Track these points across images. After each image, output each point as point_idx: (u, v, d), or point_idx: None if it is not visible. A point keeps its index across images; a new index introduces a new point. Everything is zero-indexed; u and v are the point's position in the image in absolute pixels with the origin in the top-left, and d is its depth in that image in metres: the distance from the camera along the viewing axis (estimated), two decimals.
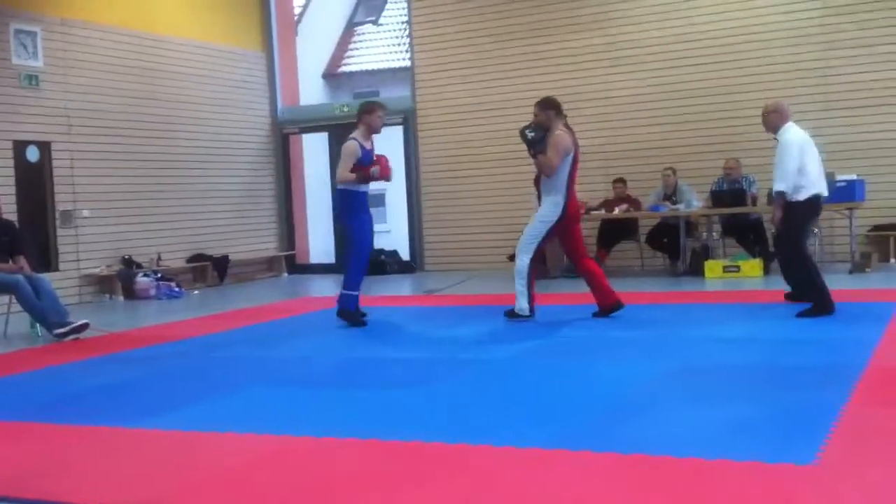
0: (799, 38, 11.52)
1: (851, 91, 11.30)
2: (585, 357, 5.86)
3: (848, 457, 3.38)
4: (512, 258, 11.66)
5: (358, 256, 7.76)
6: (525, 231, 7.43)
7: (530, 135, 7.31)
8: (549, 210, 7.27)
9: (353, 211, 7.72)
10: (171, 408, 4.82)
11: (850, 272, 10.02)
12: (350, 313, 7.69)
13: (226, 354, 6.65)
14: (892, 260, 10.91)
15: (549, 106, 7.37)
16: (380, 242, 14.79)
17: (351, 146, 7.61)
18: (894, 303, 7.32)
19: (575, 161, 7.33)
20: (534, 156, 7.30)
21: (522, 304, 7.34)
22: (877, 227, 11.16)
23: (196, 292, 12.01)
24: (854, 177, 10.22)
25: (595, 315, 7.38)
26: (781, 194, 7.08)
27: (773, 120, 7.41)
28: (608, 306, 7.36)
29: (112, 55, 11.87)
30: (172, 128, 12.68)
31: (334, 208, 7.60)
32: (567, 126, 7.35)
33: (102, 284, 11.53)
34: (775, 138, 7.40)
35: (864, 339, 5.74)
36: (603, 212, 11.39)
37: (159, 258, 12.18)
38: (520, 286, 7.34)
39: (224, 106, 13.58)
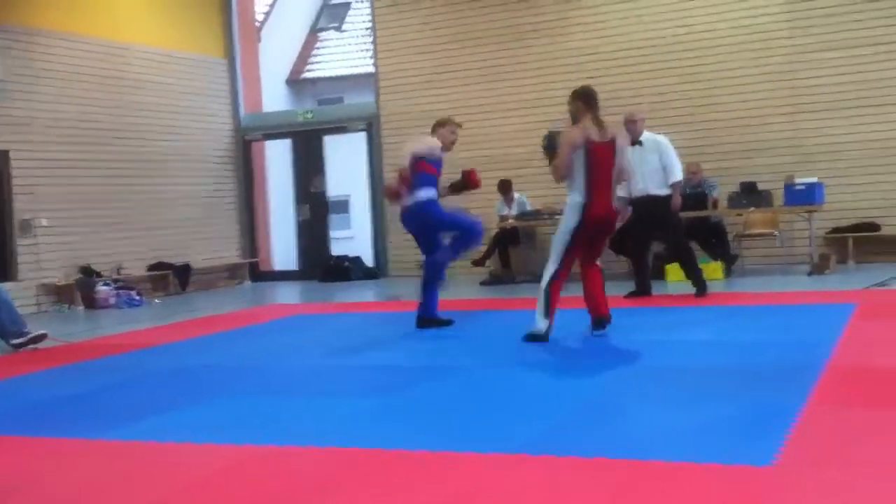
0: (764, 42, 11.65)
1: (814, 95, 11.45)
2: (549, 362, 5.87)
3: (806, 457, 3.40)
4: (477, 263, 11.75)
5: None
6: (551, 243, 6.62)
7: (545, 142, 6.90)
8: (567, 214, 6.39)
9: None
10: (132, 419, 4.75)
11: (809, 274, 10.13)
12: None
13: (188, 364, 6.57)
14: (851, 262, 11.05)
15: (577, 97, 6.51)
16: (343, 249, 14.79)
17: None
18: (852, 304, 7.41)
19: (599, 159, 6.33)
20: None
21: (538, 325, 6.40)
22: (835, 230, 11.31)
23: (157, 301, 11.90)
24: (814, 180, 10.35)
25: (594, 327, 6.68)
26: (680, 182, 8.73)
27: (641, 126, 8.66)
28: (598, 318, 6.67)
29: (73, 63, 11.77)
30: (133, 135, 12.57)
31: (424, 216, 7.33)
32: (597, 120, 6.42)
33: (61, 294, 11.40)
34: (640, 142, 8.54)
35: (822, 340, 5.80)
36: None
37: (119, 267, 12.05)
38: (539, 304, 6.43)
39: (186, 113, 13.48)
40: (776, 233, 11.15)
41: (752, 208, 10.60)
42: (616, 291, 9.63)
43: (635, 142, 8.50)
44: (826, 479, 3.15)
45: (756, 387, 4.66)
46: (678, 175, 8.72)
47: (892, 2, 11.10)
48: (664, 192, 8.68)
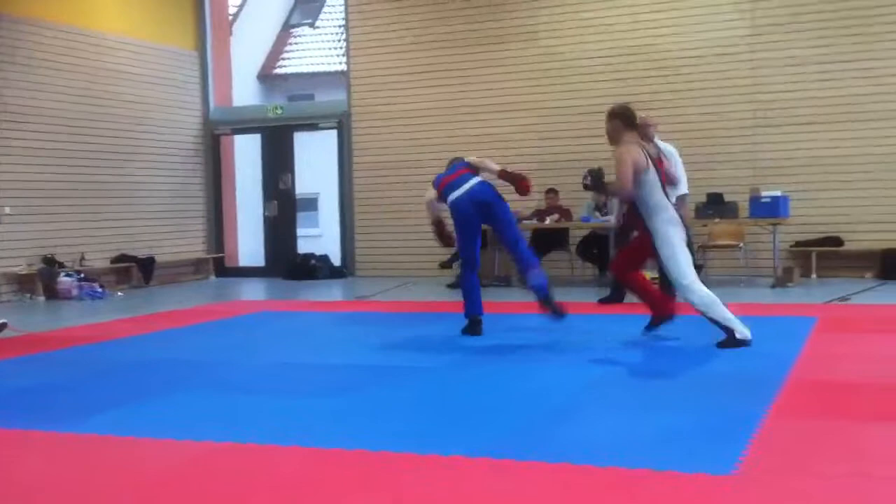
0: (728, 56, 11.76)
1: (778, 108, 11.57)
2: (512, 366, 5.87)
3: (767, 466, 3.43)
4: (444, 266, 11.75)
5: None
6: (667, 267, 6.22)
7: (588, 180, 6.49)
8: (670, 230, 6.15)
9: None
10: (89, 412, 4.70)
11: (773, 286, 10.23)
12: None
13: (149, 358, 6.51)
14: (814, 275, 11.17)
15: (615, 116, 6.34)
16: (311, 247, 14.72)
17: None
18: (814, 318, 7.49)
19: (660, 172, 6.31)
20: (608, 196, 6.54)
21: (739, 328, 6.12)
22: (799, 243, 11.43)
23: (120, 294, 11.77)
24: (778, 193, 10.45)
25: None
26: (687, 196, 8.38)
27: (652, 133, 8.14)
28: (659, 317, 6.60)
29: (40, 50, 11.60)
30: (100, 125, 12.43)
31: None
32: (642, 136, 6.45)
33: (23, 283, 11.24)
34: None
35: (784, 352, 5.85)
36: (535, 221, 11.48)
37: (83, 258, 11.92)
38: (718, 316, 6.12)
39: (154, 104, 13.36)
40: (741, 245, 11.25)
41: (717, 219, 10.68)
42: (581, 297, 9.67)
43: None
44: (787, 487, 3.18)
45: (718, 396, 4.69)
46: (684, 188, 8.38)
47: (852, 20, 11.24)
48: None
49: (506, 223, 7.02)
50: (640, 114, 8.72)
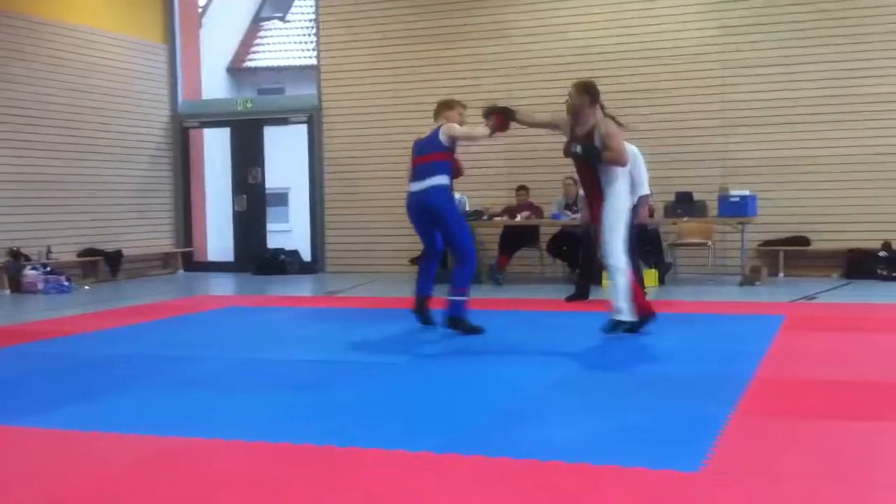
0: (698, 56, 11.82)
1: (746, 109, 11.65)
2: (481, 362, 5.87)
3: (732, 465, 3.45)
4: (414, 262, 11.72)
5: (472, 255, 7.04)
6: (604, 231, 6.49)
7: (579, 148, 6.48)
8: (624, 198, 6.58)
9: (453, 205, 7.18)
10: (53, 407, 4.64)
11: (741, 285, 10.31)
12: (464, 321, 6.86)
13: (115, 353, 6.44)
14: (781, 274, 11.27)
15: (584, 89, 6.55)
16: (281, 242, 14.64)
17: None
18: (781, 316, 7.55)
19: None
20: (593, 163, 6.50)
21: (627, 315, 6.43)
22: (767, 242, 11.52)
23: (87, 287, 11.65)
24: (746, 192, 10.53)
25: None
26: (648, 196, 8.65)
27: None
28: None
29: (4, 41, 11.43)
30: (66, 117, 12.28)
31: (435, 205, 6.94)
32: (604, 112, 6.60)
33: None
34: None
35: (751, 350, 5.89)
36: (505, 218, 11.49)
37: (49, 251, 11.77)
38: (621, 297, 6.42)
39: (122, 96, 13.22)
40: (709, 243, 11.32)
41: (686, 218, 10.74)
42: (551, 295, 9.70)
43: None
44: (752, 485, 3.20)
45: (684, 394, 4.71)
46: (645, 188, 8.61)
47: (821, 22, 11.34)
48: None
49: (451, 235, 6.99)
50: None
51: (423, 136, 7.16)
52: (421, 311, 7.21)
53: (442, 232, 7.07)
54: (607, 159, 6.45)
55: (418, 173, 7.01)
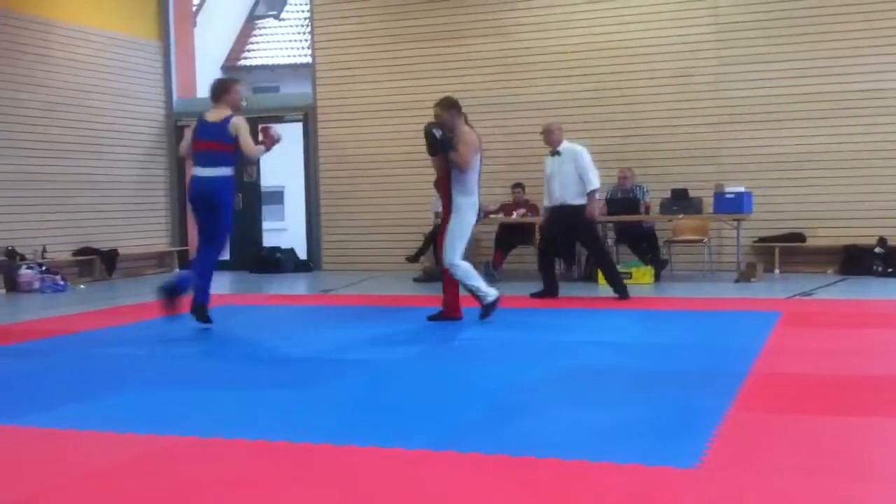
0: (693, 53, 11.83)
1: (741, 106, 11.66)
2: (476, 359, 5.87)
3: (729, 460, 3.45)
4: (411, 260, 11.73)
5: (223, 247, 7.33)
6: (446, 237, 7.23)
7: (439, 133, 7.19)
8: (469, 212, 7.25)
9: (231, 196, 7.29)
10: (50, 406, 4.64)
11: (736, 281, 10.32)
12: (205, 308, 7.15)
13: (111, 352, 6.43)
14: (777, 271, 11.28)
15: (450, 105, 7.35)
16: (276, 240, 14.63)
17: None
18: (777, 312, 7.56)
19: (480, 160, 7.40)
20: (434, 154, 7.24)
21: (485, 291, 7.22)
22: (763, 239, 11.53)
23: (82, 286, 11.63)
24: (742, 189, 10.54)
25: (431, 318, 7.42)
26: (596, 191, 8.82)
27: (557, 137, 9.03)
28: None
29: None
30: (61, 115, 12.26)
31: (213, 193, 7.07)
32: (469, 125, 7.38)
33: None
34: (558, 152, 8.95)
35: (747, 346, 5.90)
36: (501, 216, 11.49)
37: (44, 250, 11.75)
38: (471, 286, 7.21)
39: (116, 95, 13.20)
40: (705, 240, 11.33)
41: (681, 215, 10.75)
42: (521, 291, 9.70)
43: (554, 152, 8.98)
44: (750, 481, 3.20)
45: (681, 390, 4.71)
46: (594, 184, 8.82)
47: (816, 18, 11.35)
48: (580, 201, 8.85)
49: (215, 222, 7.12)
50: (546, 120, 9.64)
51: None
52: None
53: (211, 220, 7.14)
54: (452, 157, 7.14)
55: (199, 159, 7.11)
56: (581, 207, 8.83)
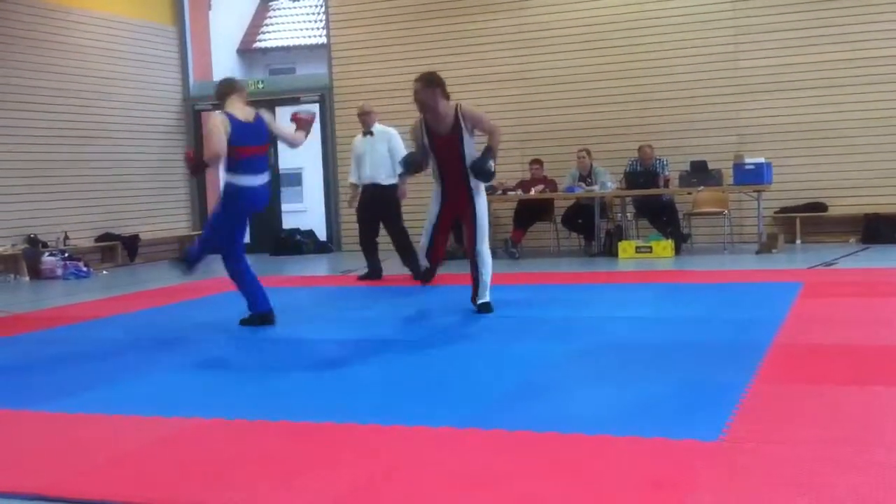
0: (710, 24, 11.73)
1: (760, 76, 11.56)
2: (499, 337, 5.88)
3: (752, 433, 3.45)
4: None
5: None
6: (477, 225, 6.71)
7: (489, 166, 6.53)
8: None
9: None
10: (77, 391, 4.69)
11: (758, 253, 10.27)
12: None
13: (134, 336, 6.49)
14: (798, 241, 11.22)
15: (435, 83, 6.60)
16: (296, 222, 14.66)
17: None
18: (799, 283, 7.53)
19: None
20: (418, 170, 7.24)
21: (488, 289, 6.75)
22: (783, 209, 11.47)
23: (105, 272, 11.72)
24: (762, 160, 10.47)
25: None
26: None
27: (373, 118, 9.26)
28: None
29: (16, 28, 11.47)
30: (79, 102, 12.32)
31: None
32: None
33: (6, 264, 11.17)
34: (371, 132, 9.18)
35: (769, 318, 5.88)
36: (519, 192, 11.46)
37: (66, 237, 11.84)
38: (485, 278, 6.71)
39: (133, 80, 13.24)
40: (725, 212, 11.28)
41: (701, 187, 10.70)
42: (567, 268, 9.69)
43: (367, 132, 9.25)
44: (773, 453, 3.20)
45: (703, 363, 4.71)
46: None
47: None
48: (390, 181, 8.99)
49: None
50: (361, 102, 9.68)
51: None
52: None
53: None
54: (495, 144, 6.54)
55: (253, 166, 6.53)
56: (392, 188, 8.92)
